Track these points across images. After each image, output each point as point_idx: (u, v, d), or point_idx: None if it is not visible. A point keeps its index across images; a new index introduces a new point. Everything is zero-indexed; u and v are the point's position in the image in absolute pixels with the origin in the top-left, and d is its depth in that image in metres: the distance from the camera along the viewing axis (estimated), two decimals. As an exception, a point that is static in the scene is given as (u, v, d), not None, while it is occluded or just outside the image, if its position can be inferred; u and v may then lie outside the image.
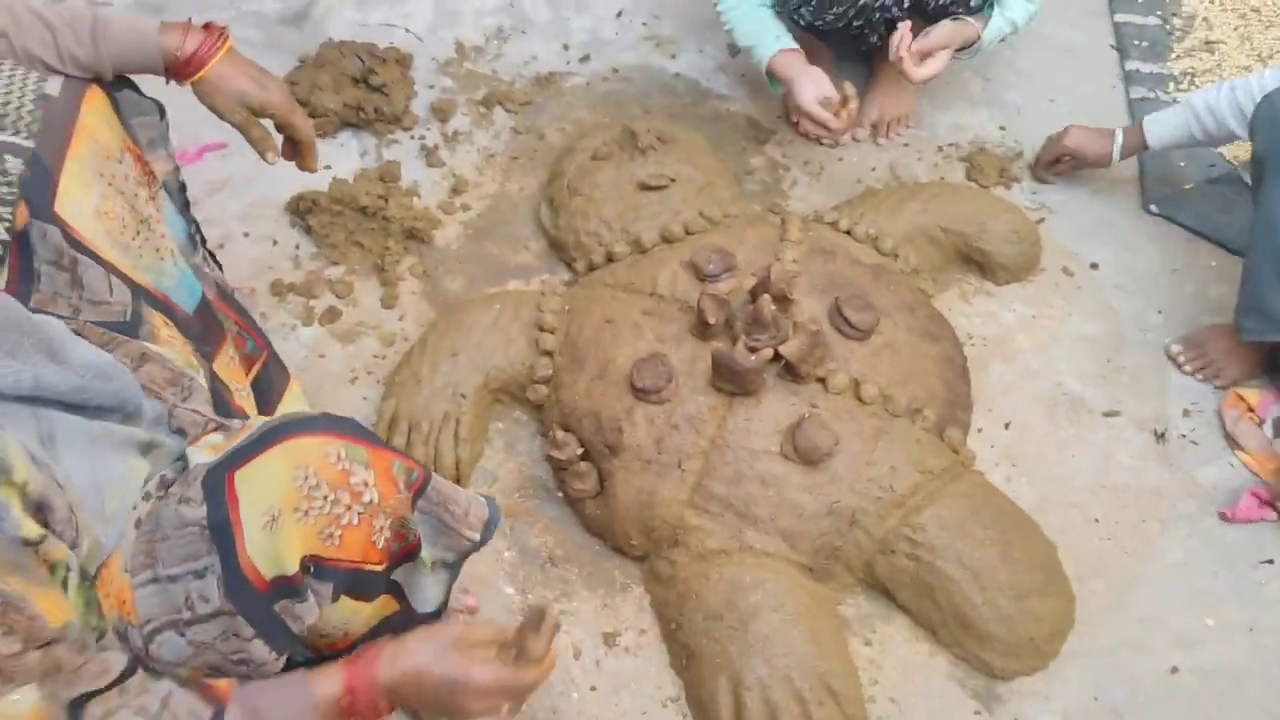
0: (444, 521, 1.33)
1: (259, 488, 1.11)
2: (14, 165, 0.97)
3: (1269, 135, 1.81)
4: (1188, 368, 1.99)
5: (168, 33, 1.37)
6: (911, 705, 1.64)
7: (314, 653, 1.33)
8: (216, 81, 1.41)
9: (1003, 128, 2.38)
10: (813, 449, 1.65)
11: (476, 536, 1.36)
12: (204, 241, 1.60)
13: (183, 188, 1.54)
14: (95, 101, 1.33)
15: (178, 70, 1.39)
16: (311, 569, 1.14)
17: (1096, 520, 1.83)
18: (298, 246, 2.11)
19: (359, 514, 1.16)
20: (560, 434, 1.75)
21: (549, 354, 1.84)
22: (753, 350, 1.66)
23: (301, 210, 2.10)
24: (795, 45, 2.11)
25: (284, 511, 1.11)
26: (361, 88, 2.27)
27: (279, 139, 1.52)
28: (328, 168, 2.14)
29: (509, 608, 1.70)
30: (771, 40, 2.11)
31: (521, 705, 1.26)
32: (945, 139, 2.36)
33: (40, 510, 0.95)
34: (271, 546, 1.10)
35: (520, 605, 1.70)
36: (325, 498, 1.13)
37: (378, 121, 2.28)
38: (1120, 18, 2.59)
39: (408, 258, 2.10)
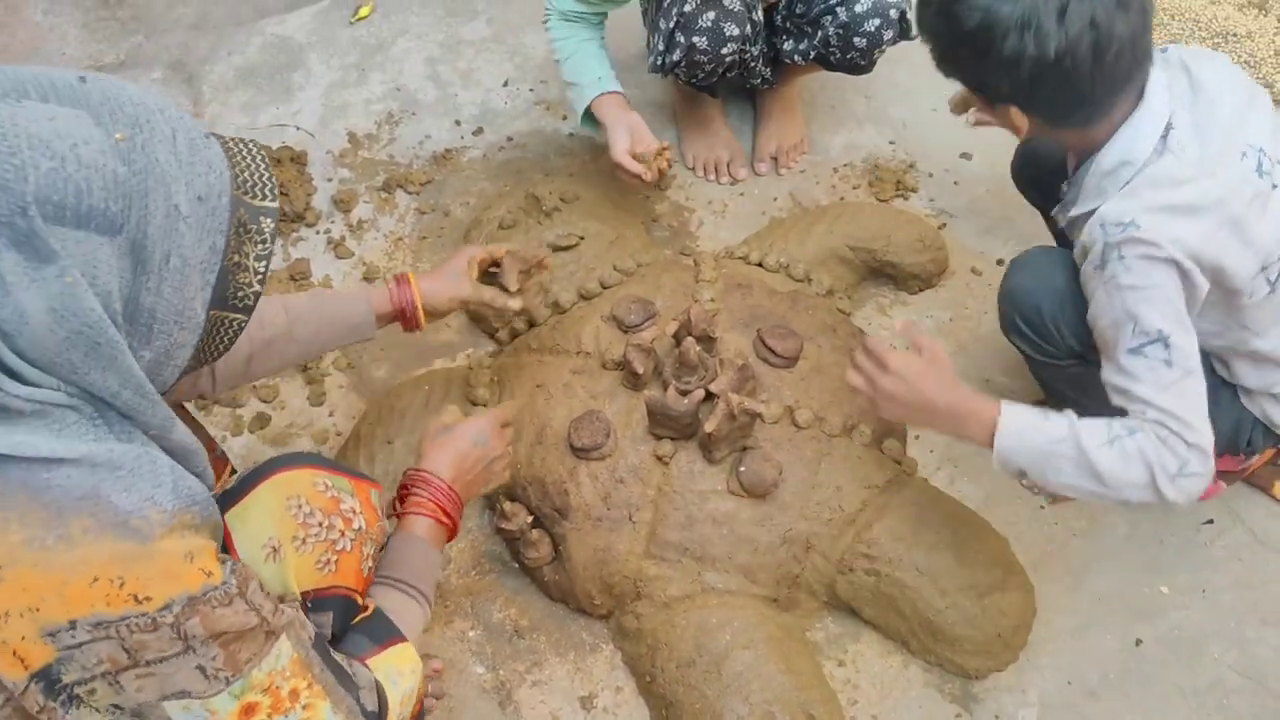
0: None
1: (255, 522, 1.13)
2: (268, 225, 1.06)
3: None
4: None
5: (376, 300, 1.59)
6: (893, 719, 1.65)
7: None
8: (434, 306, 1.64)
9: (892, 142, 2.45)
10: (758, 482, 1.66)
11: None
12: None
13: None
14: None
15: (406, 325, 1.64)
16: (310, 604, 1.16)
17: (1042, 508, 1.87)
18: (216, 357, 2.08)
19: (351, 540, 1.20)
20: (508, 505, 1.75)
21: (485, 427, 1.83)
22: (684, 393, 1.68)
23: (215, 320, 2.07)
24: (617, 88, 2.07)
25: (284, 541, 1.13)
26: (260, 190, 2.26)
27: None
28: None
29: (480, 687, 1.68)
30: (593, 82, 2.06)
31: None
32: (839, 160, 2.41)
33: None
34: (277, 578, 1.13)
35: (492, 683, 1.68)
36: (320, 524, 1.16)
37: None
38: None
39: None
